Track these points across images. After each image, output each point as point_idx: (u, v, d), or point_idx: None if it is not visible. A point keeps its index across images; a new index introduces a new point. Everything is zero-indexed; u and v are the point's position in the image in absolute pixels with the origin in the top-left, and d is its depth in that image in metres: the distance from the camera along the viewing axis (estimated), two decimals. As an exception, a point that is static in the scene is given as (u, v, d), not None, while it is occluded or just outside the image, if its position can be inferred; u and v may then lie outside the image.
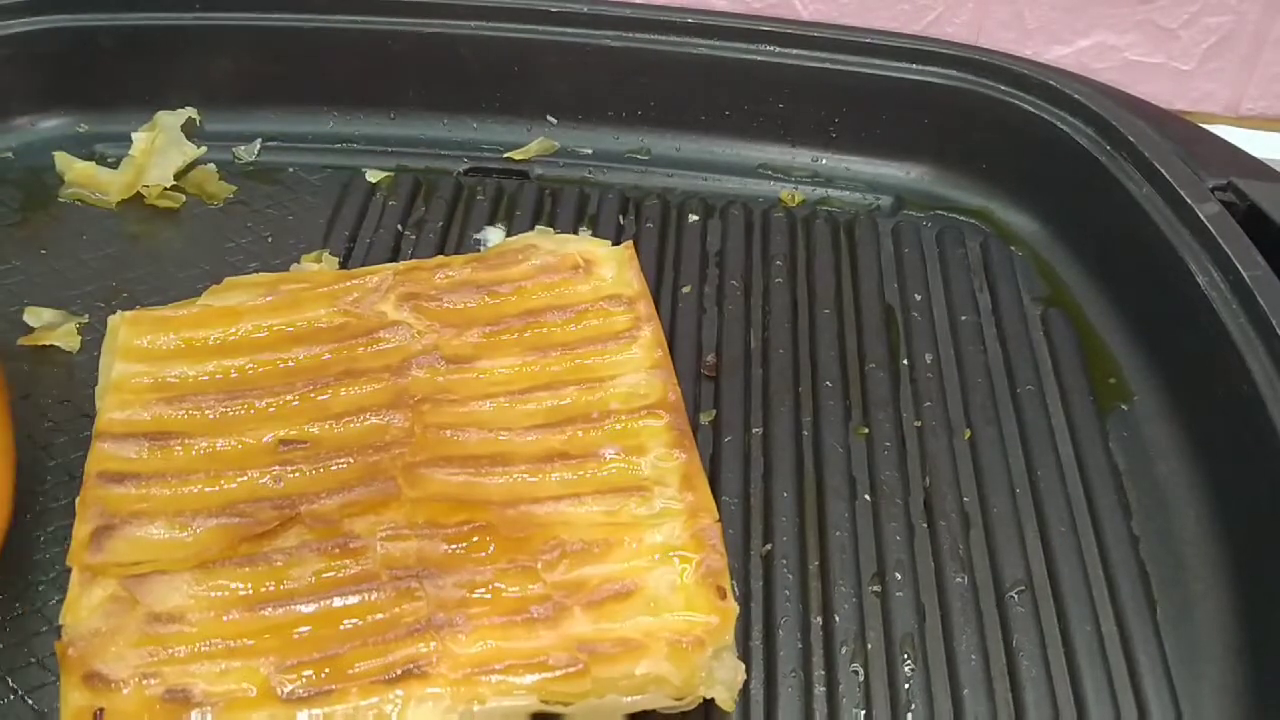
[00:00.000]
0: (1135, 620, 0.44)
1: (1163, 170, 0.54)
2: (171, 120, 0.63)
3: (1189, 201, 0.52)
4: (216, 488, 0.42)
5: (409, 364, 0.46)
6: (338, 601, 0.39)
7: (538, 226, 0.59)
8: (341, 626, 0.38)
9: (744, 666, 0.39)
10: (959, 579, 0.45)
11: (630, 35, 0.62)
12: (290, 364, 0.47)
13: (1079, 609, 0.44)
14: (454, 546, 0.40)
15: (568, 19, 0.62)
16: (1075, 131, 0.58)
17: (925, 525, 0.47)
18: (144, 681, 0.37)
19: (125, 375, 0.46)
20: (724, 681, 0.39)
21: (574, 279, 0.50)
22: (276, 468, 0.43)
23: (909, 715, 0.41)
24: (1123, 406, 0.52)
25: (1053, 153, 0.59)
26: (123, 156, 0.61)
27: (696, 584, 0.39)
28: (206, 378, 0.46)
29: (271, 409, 0.45)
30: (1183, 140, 0.58)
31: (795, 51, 0.62)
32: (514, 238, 0.54)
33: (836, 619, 0.43)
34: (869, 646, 0.43)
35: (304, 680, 0.37)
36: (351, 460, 0.43)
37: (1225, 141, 0.60)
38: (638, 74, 0.63)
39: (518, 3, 0.62)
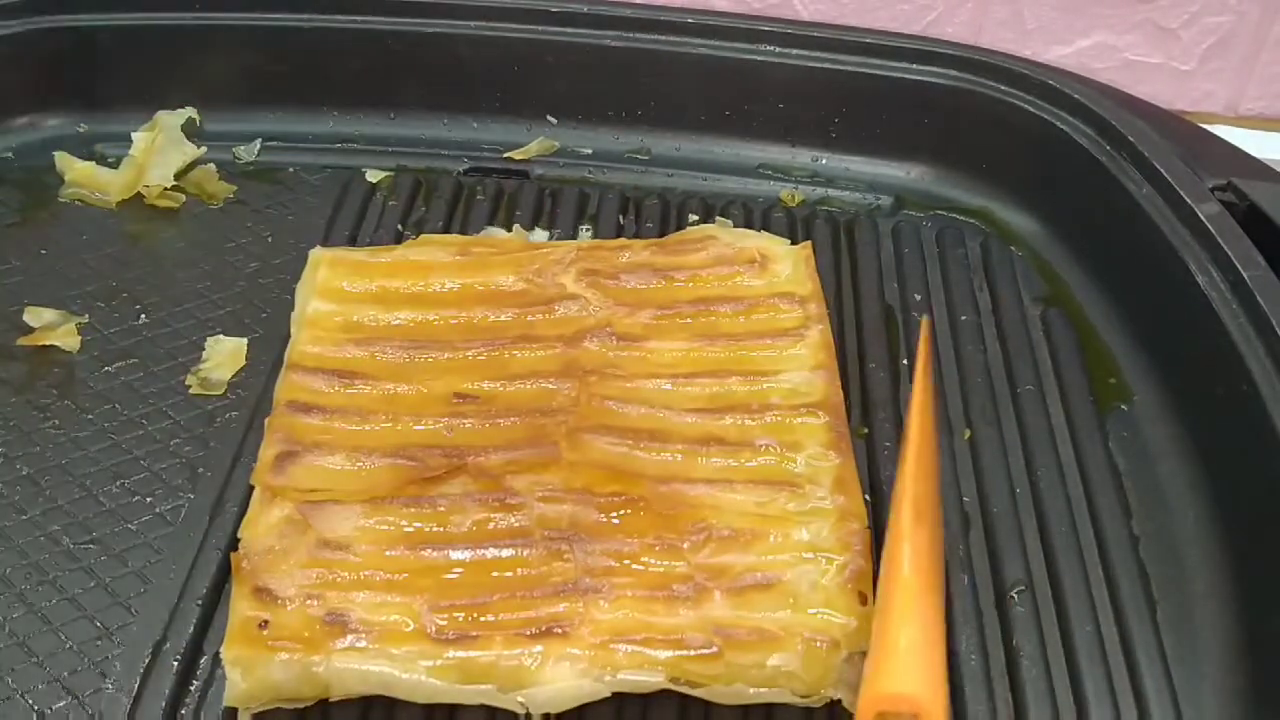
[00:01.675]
0: (1135, 620, 0.44)
1: (1163, 170, 0.54)
2: (172, 120, 0.63)
3: (1189, 201, 0.52)
4: (394, 429, 0.45)
5: (582, 336, 0.48)
6: (492, 552, 0.41)
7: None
8: (493, 576, 0.40)
9: None
10: (959, 579, 0.45)
11: (630, 35, 0.62)
12: (472, 322, 0.49)
13: (1079, 609, 0.44)
14: (605, 515, 0.42)
15: (568, 19, 0.62)
16: (1075, 132, 0.58)
17: (925, 525, 0.47)
18: (308, 601, 0.39)
19: (321, 313, 0.49)
20: (852, 684, 0.39)
21: (749, 273, 0.51)
22: (449, 418, 0.45)
23: (909, 715, 0.41)
24: (1123, 406, 0.52)
25: (1053, 153, 0.59)
26: (123, 156, 0.61)
27: (838, 586, 0.40)
28: (395, 324, 0.49)
29: (451, 362, 0.47)
30: (1183, 140, 0.58)
31: (795, 52, 0.62)
32: (695, 227, 0.56)
33: (836, 619, 0.43)
34: (869, 646, 0.43)
35: (453, 622, 0.39)
36: (519, 420, 0.45)
37: (1225, 141, 0.60)
38: (638, 74, 0.63)
39: (518, 3, 0.62)
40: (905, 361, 0.53)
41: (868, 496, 0.47)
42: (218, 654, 0.40)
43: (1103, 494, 0.48)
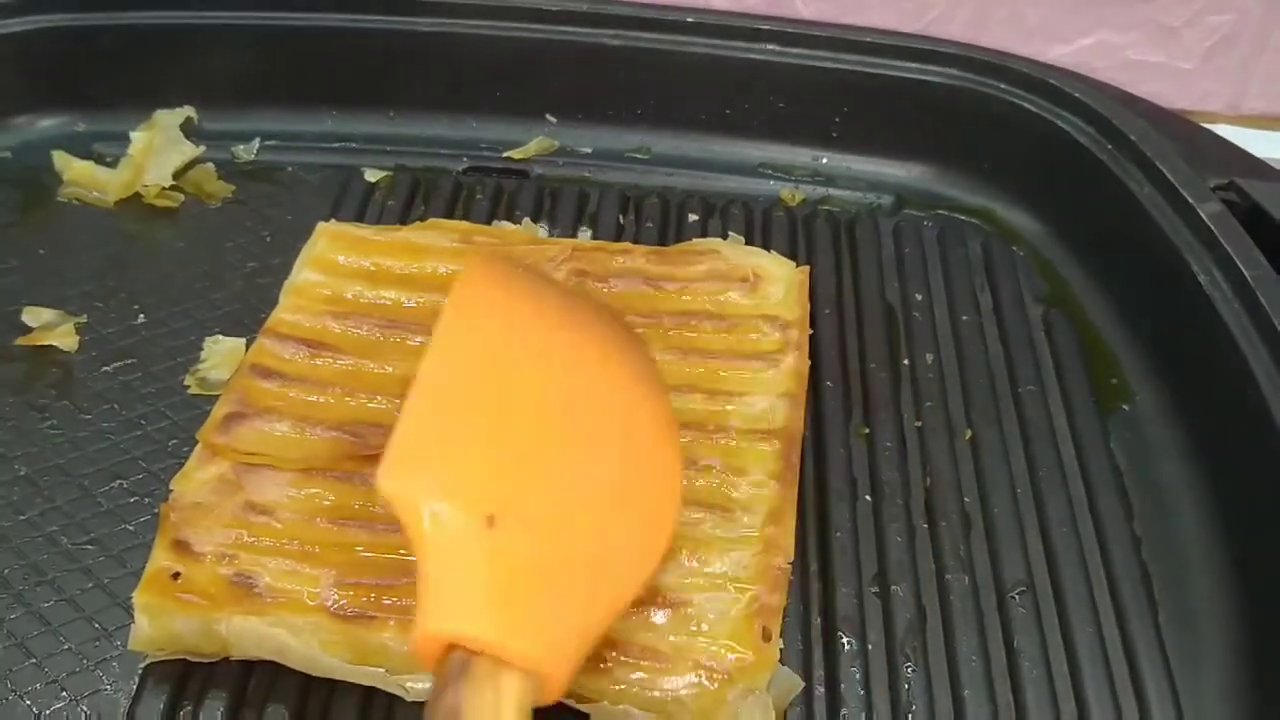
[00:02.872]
0: (1137, 621, 0.44)
1: (1164, 169, 0.54)
2: (170, 119, 0.62)
3: (1191, 201, 0.52)
4: (345, 404, 0.45)
5: None
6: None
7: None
8: (403, 560, 0.40)
9: (774, 713, 0.39)
10: (960, 580, 0.45)
11: (630, 34, 0.62)
12: None
13: (1080, 610, 0.44)
14: None
15: (567, 18, 0.62)
16: (1076, 131, 0.58)
17: (926, 526, 0.47)
18: (221, 560, 0.40)
19: (309, 283, 0.50)
20: None
21: (739, 291, 0.51)
22: (403, 400, 0.44)
23: (909, 716, 0.41)
24: (1124, 407, 0.52)
25: (1054, 152, 0.59)
26: (121, 156, 0.61)
27: (745, 618, 0.39)
28: (378, 302, 0.50)
29: (421, 346, 0.47)
30: (1184, 139, 0.57)
31: (796, 50, 0.62)
32: (701, 240, 0.55)
33: (837, 619, 0.43)
34: (870, 648, 0.42)
35: (354, 600, 0.39)
36: None
37: (1227, 141, 0.60)
38: (638, 73, 0.63)
39: (517, 2, 0.62)
40: (906, 362, 0.53)
41: (868, 496, 0.47)
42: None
43: (1104, 494, 0.48)
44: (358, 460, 0.43)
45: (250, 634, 0.39)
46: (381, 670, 0.38)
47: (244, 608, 0.39)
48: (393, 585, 0.40)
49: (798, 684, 0.40)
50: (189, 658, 0.40)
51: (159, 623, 0.39)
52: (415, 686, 0.38)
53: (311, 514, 0.42)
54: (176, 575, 0.39)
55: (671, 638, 0.39)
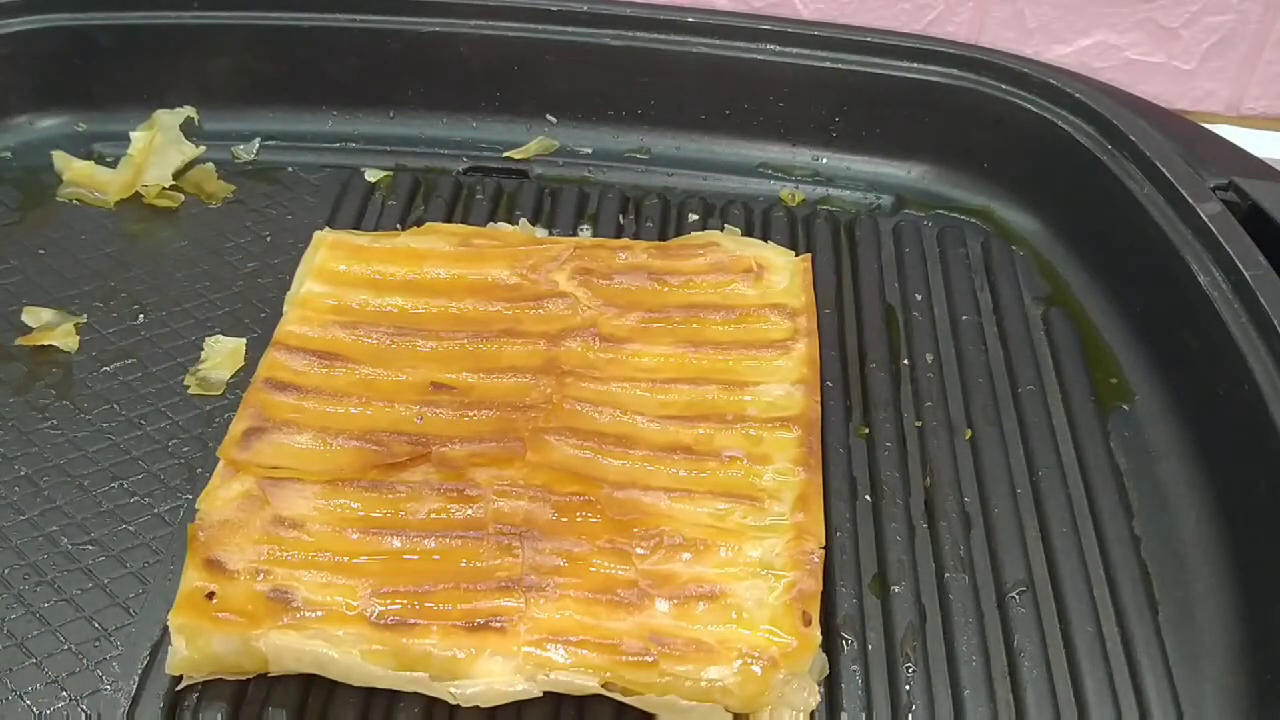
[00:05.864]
0: (1137, 621, 0.44)
1: (1164, 169, 0.54)
2: (170, 119, 0.63)
3: (1190, 201, 0.52)
4: (365, 413, 0.45)
5: (565, 335, 0.48)
6: (442, 542, 0.41)
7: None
8: (440, 566, 0.40)
9: (820, 693, 0.39)
10: (960, 579, 0.45)
11: (630, 34, 0.62)
12: (460, 313, 0.49)
13: (1080, 609, 0.44)
14: (560, 515, 0.42)
15: (568, 18, 0.62)
16: (1076, 131, 0.58)
17: (926, 526, 0.47)
18: (256, 576, 0.40)
19: (313, 294, 0.50)
20: (794, 706, 0.39)
21: (744, 282, 0.51)
22: (422, 407, 0.45)
23: (909, 716, 0.41)
24: (1124, 406, 0.52)
25: (1054, 152, 0.59)
26: (121, 156, 0.61)
27: (784, 604, 0.40)
28: (384, 309, 0.50)
29: (433, 351, 0.48)
30: (1184, 139, 0.57)
31: (796, 51, 0.62)
32: (699, 233, 0.56)
33: (837, 619, 0.43)
34: (869, 647, 0.43)
35: (394, 608, 0.39)
36: (491, 414, 0.45)
37: (1226, 141, 0.60)
38: (638, 73, 0.63)
39: (517, 2, 0.62)
40: (906, 361, 0.53)
41: (867, 496, 0.47)
42: (216, 655, 0.40)
43: (1104, 494, 0.48)
44: (383, 469, 0.43)
45: (289, 649, 0.38)
46: (425, 676, 0.38)
47: (283, 622, 0.39)
48: (431, 591, 0.39)
49: (825, 666, 0.41)
50: (226, 677, 0.40)
51: (197, 644, 0.39)
52: (461, 691, 0.38)
53: (342, 525, 0.41)
54: (211, 595, 0.39)
55: (714, 628, 0.39)
